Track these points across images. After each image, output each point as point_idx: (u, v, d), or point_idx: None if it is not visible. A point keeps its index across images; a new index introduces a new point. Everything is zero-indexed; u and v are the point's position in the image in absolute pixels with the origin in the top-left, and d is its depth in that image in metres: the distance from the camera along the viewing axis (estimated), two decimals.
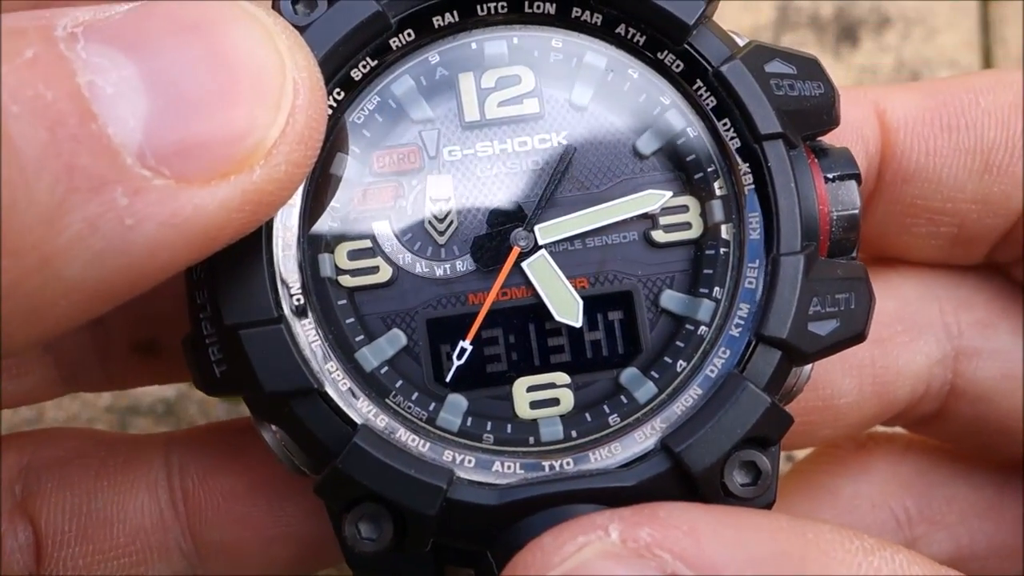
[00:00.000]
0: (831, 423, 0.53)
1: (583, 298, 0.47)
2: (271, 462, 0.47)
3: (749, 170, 0.46)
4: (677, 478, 0.43)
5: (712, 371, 0.45)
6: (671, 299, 0.47)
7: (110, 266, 0.34)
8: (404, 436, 0.44)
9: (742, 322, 0.45)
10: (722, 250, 0.47)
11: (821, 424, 0.53)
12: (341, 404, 0.44)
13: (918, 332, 0.54)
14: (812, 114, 0.46)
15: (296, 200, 0.45)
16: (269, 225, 0.44)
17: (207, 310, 0.44)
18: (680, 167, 0.48)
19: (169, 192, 0.34)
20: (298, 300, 0.45)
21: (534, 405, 0.47)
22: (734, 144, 0.46)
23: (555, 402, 0.47)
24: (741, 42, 0.48)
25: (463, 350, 0.47)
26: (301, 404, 0.43)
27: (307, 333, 0.45)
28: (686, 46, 0.46)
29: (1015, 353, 0.54)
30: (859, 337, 0.46)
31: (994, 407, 0.52)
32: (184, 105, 0.35)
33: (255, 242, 0.44)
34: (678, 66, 0.46)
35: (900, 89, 0.53)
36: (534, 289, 0.47)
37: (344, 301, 0.46)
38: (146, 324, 0.55)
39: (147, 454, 0.51)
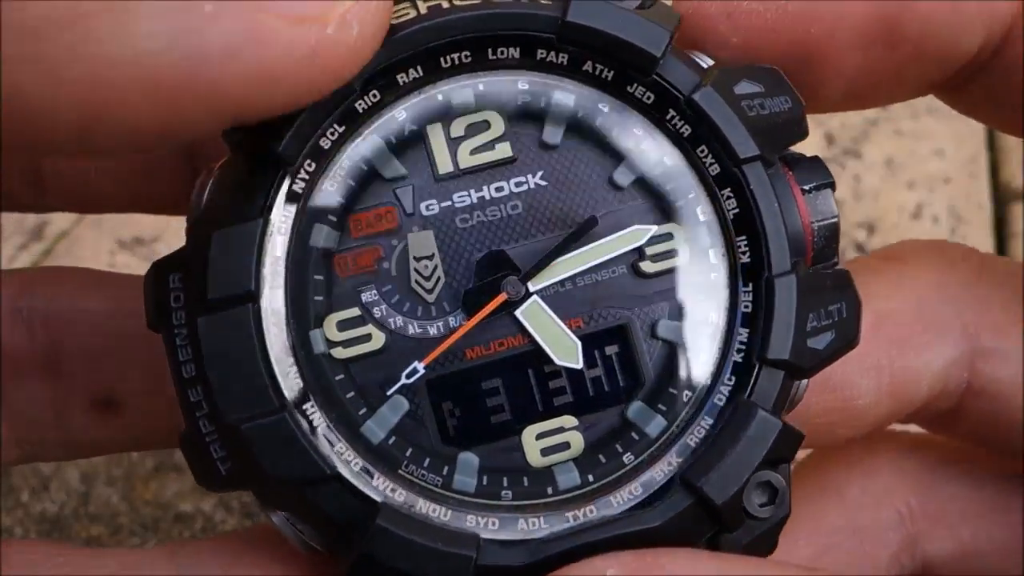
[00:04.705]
0: (850, 423, 0.53)
1: (580, 338, 0.47)
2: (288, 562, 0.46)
3: (731, 195, 0.46)
4: (701, 511, 0.44)
5: (720, 399, 0.45)
6: (668, 328, 0.47)
7: (181, 49, 0.34)
8: (424, 507, 0.44)
9: (743, 347, 0.46)
10: (712, 275, 0.47)
11: (840, 424, 0.53)
12: (358, 484, 0.43)
13: (935, 333, 0.54)
14: (784, 130, 0.47)
15: (279, 281, 0.44)
16: (257, 312, 0.43)
17: (203, 408, 0.43)
18: (660, 196, 0.47)
19: (249, 8, 0.35)
20: (297, 384, 0.44)
21: (545, 452, 0.46)
22: (713, 170, 0.46)
23: (566, 446, 0.47)
24: (704, 64, 0.47)
25: (415, 371, 0.46)
26: (315, 492, 0.42)
27: (311, 417, 0.43)
28: (655, 76, 0.45)
29: None
30: (853, 344, 0.47)
31: (1010, 407, 0.53)
32: None
33: (246, 331, 0.42)
34: (649, 98, 0.46)
35: None
36: (529, 336, 0.47)
37: (341, 375, 0.45)
38: (106, 379, 0.53)
39: (152, 564, 0.48)
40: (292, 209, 0.44)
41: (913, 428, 0.59)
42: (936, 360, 0.53)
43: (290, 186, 0.44)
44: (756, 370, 0.45)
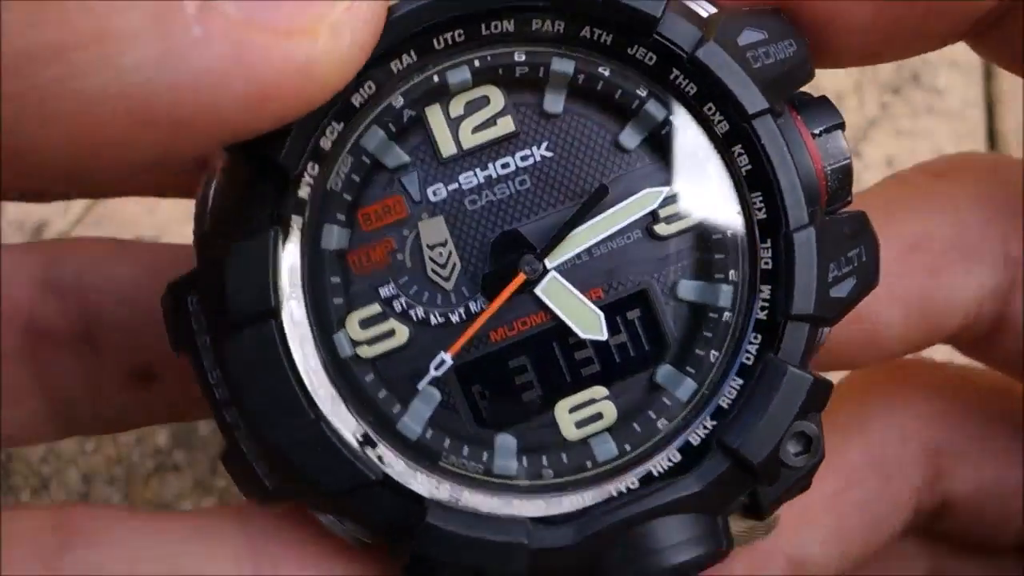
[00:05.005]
0: (875, 352, 0.52)
1: (601, 308, 0.46)
2: None
3: (742, 151, 0.45)
4: (739, 471, 0.44)
5: (748, 358, 0.45)
6: (688, 288, 0.47)
7: (170, 75, 0.33)
8: (470, 497, 0.44)
9: (767, 304, 0.46)
10: (728, 232, 0.47)
11: (865, 352, 0.52)
12: (403, 484, 0.43)
13: (974, 259, 0.51)
14: (790, 75, 0.46)
15: (297, 291, 0.43)
16: (280, 327, 0.42)
17: (240, 427, 0.42)
18: (669, 155, 0.47)
19: (237, 25, 0.34)
20: (329, 393, 0.43)
21: (579, 424, 0.47)
22: (722, 128, 0.45)
23: (599, 416, 0.47)
24: (704, 12, 0.46)
25: (442, 362, 0.45)
26: (362, 497, 0.43)
27: (347, 424, 0.43)
28: (655, 36, 0.44)
29: None
30: (874, 285, 0.47)
31: None
32: None
33: (272, 349, 0.42)
34: (651, 59, 0.45)
35: None
36: (550, 313, 0.46)
37: (371, 375, 0.45)
38: (141, 350, 0.52)
39: (222, 531, 0.46)
40: (301, 215, 0.43)
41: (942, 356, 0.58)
42: (970, 289, 0.52)
43: (296, 192, 0.43)
44: (782, 326, 0.45)
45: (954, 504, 0.57)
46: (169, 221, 0.55)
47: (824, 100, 0.48)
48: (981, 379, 0.58)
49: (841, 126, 0.47)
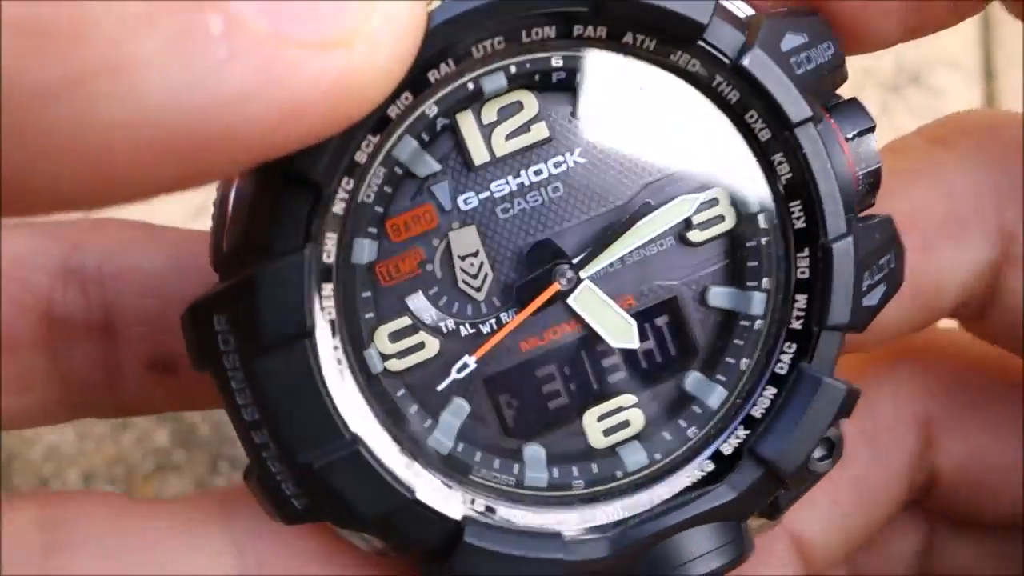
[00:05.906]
0: (872, 337, 0.50)
1: (632, 316, 0.46)
2: None
3: (783, 159, 0.44)
4: (770, 479, 0.45)
5: (781, 368, 0.46)
6: (718, 295, 0.47)
7: (194, 100, 0.30)
8: (504, 511, 0.44)
9: (802, 313, 0.45)
10: (763, 239, 0.46)
11: (859, 339, 0.50)
12: (438, 505, 0.42)
13: (967, 235, 0.50)
14: (829, 80, 0.45)
15: (331, 311, 0.41)
16: (315, 347, 0.40)
17: (270, 448, 0.41)
18: (704, 161, 0.46)
19: (266, 41, 0.31)
20: (364, 412, 0.42)
21: (607, 432, 0.46)
22: (763, 135, 0.44)
23: (626, 424, 0.47)
24: (741, 14, 0.44)
25: (465, 365, 0.45)
26: (399, 518, 0.42)
27: (382, 443, 0.42)
28: (701, 43, 0.42)
29: None
30: (898, 288, 0.47)
31: None
32: None
33: (306, 369, 0.40)
34: (693, 65, 0.43)
35: None
36: (581, 322, 0.46)
37: (402, 391, 0.44)
38: (162, 340, 0.50)
39: (204, 518, 0.45)
40: (335, 232, 0.41)
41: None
42: (964, 265, 0.51)
43: (330, 208, 0.41)
44: (816, 336, 0.45)
45: (943, 476, 0.57)
46: (172, 220, 0.53)
47: (855, 103, 0.47)
48: (974, 347, 0.57)
49: (872, 129, 0.47)
